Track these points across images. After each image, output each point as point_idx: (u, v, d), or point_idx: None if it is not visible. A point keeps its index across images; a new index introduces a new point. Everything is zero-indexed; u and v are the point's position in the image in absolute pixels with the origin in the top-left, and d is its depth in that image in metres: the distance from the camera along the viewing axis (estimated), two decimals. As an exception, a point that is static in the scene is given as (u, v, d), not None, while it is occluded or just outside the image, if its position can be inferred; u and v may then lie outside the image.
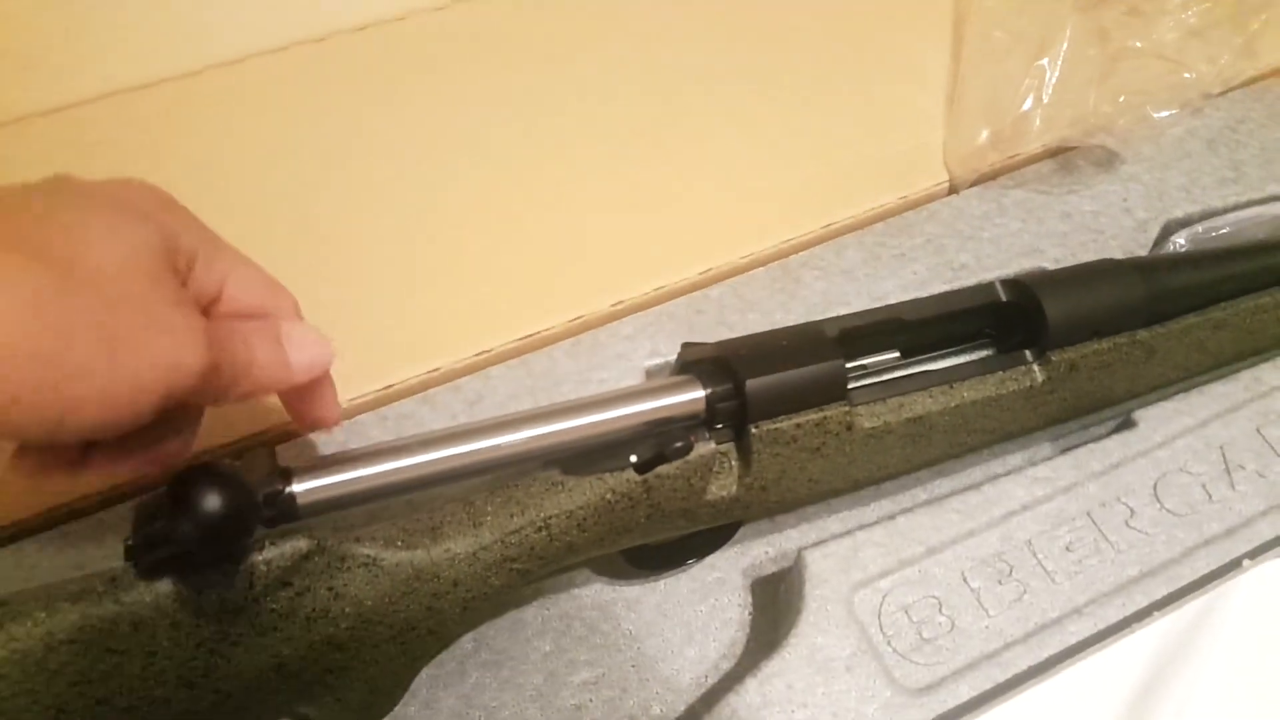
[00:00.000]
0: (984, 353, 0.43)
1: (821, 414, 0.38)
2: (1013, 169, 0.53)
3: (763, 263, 0.49)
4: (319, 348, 0.33)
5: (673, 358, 0.46)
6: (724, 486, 0.38)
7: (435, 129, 0.54)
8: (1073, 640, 0.39)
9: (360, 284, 0.48)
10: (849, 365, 0.39)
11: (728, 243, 0.50)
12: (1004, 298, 0.41)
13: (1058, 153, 0.54)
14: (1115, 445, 0.44)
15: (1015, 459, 0.47)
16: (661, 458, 0.36)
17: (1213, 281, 0.43)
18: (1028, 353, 0.41)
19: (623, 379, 0.46)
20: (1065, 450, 0.45)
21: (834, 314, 0.47)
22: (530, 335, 0.47)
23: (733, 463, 0.39)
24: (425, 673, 0.41)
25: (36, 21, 0.53)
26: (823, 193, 0.52)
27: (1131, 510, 0.42)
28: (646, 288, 0.48)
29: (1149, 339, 0.42)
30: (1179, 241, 0.50)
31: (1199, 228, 0.50)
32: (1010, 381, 0.41)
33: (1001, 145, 0.53)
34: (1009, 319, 0.42)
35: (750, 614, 0.45)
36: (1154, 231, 0.50)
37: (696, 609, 0.45)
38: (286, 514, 0.32)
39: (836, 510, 0.46)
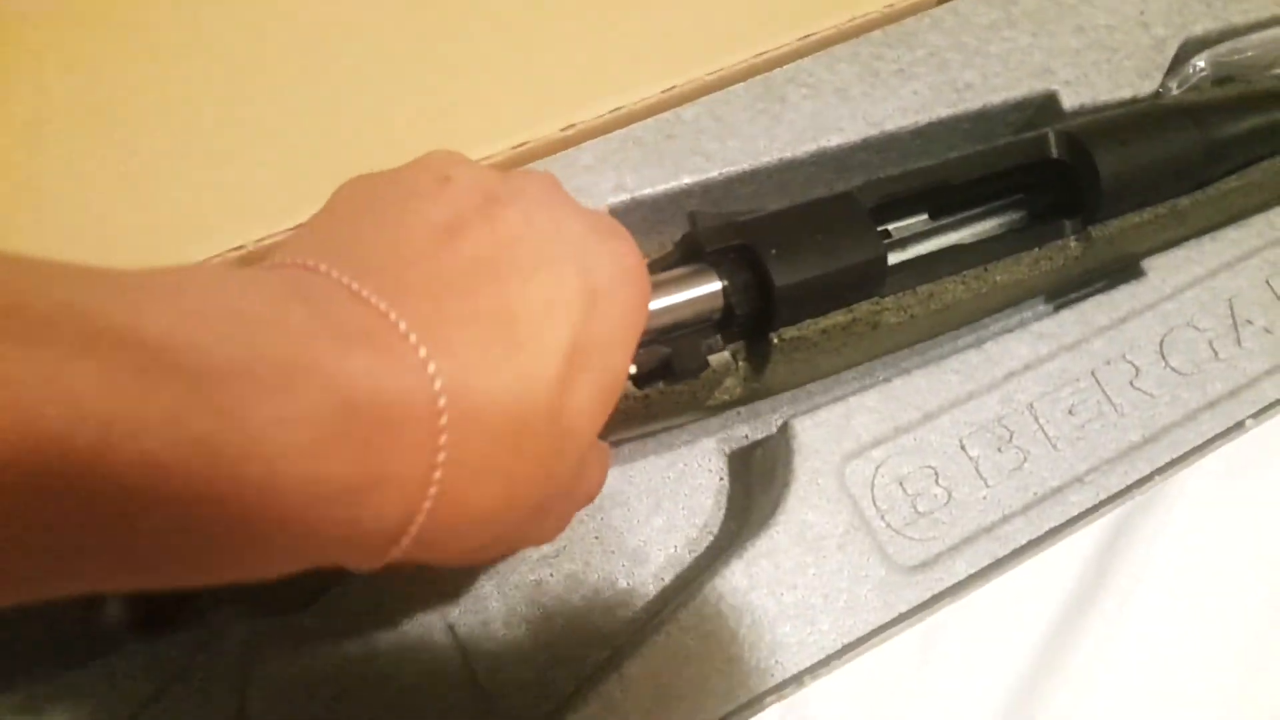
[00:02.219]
0: (1017, 214, 0.38)
1: (850, 315, 0.33)
2: (1021, -30, 0.46)
3: (737, 79, 0.42)
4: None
5: (641, 193, 0.39)
6: (728, 390, 0.33)
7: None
8: (1074, 511, 0.37)
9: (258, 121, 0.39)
10: (874, 231, 0.34)
11: (694, 55, 0.42)
12: (1055, 154, 0.35)
13: (1071, -48, 0.47)
14: (1123, 297, 0.40)
15: (1007, 313, 0.43)
16: (669, 372, 0.30)
17: (1260, 131, 0.39)
18: (1067, 224, 0.36)
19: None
20: (1065, 302, 0.41)
21: (825, 142, 0.41)
22: (470, 163, 0.39)
23: (739, 364, 0.33)
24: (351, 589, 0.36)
25: None
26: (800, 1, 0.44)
27: (1136, 369, 0.39)
28: (601, 109, 0.40)
29: (1188, 207, 0.37)
30: (1199, 65, 0.44)
31: (1221, 49, 0.45)
32: (1044, 261, 0.36)
33: (1009, -60, 0.46)
34: (1051, 174, 0.37)
35: (724, 480, 0.41)
36: (1171, 50, 0.45)
37: (664, 475, 0.41)
38: None
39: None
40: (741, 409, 0.42)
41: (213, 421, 0.16)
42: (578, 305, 0.22)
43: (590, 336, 0.22)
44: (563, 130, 0.40)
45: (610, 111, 0.41)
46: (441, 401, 0.19)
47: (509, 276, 0.21)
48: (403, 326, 0.19)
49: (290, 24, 0.40)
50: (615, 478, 0.41)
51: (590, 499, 0.28)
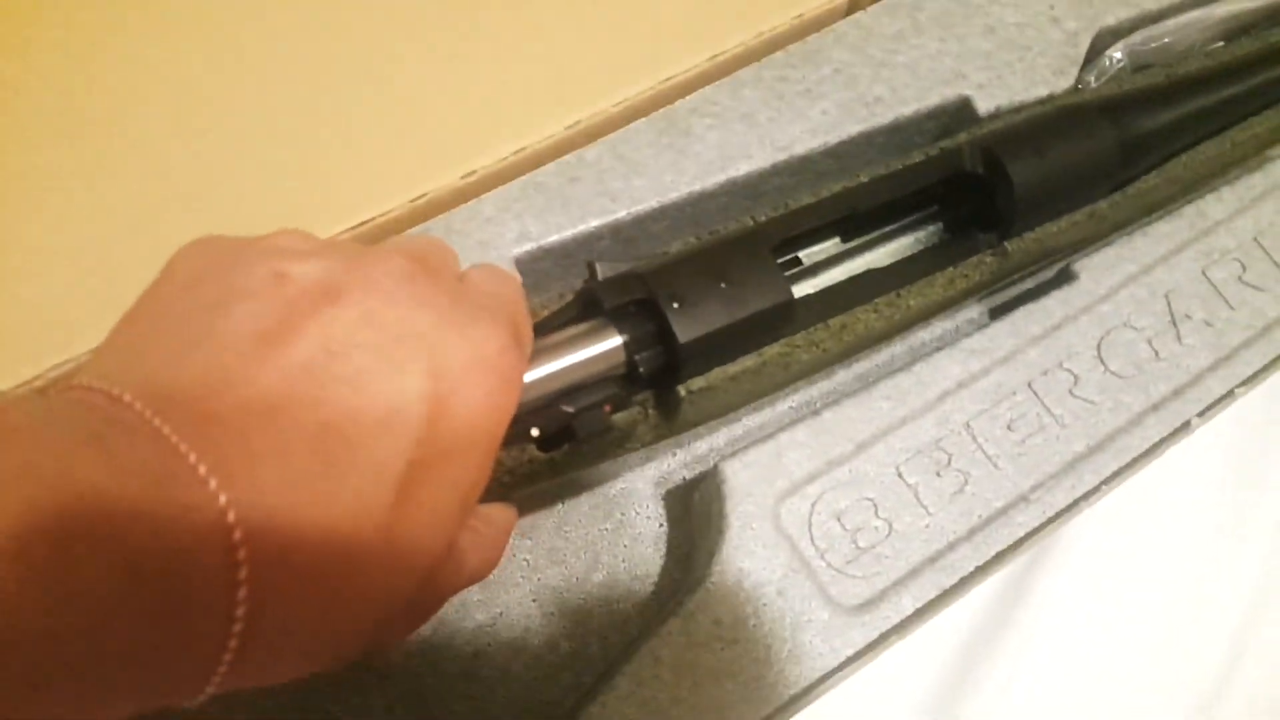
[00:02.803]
0: (932, 227, 0.36)
1: (760, 358, 0.31)
2: (925, -26, 0.45)
3: (643, 111, 0.41)
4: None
5: (547, 241, 0.38)
6: (638, 439, 0.32)
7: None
8: (1020, 532, 0.35)
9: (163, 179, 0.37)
10: (781, 260, 0.33)
11: (596, 86, 0.41)
12: (969, 167, 0.34)
13: (975, -49, 0.46)
14: (1055, 304, 0.39)
15: (941, 324, 0.42)
16: (570, 435, 0.29)
17: (1178, 123, 0.37)
18: (981, 237, 0.35)
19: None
20: (997, 312, 0.40)
21: (734, 171, 0.40)
22: (365, 222, 0.37)
23: (649, 413, 0.32)
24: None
25: None
26: (704, 17, 0.42)
27: (1075, 377, 0.38)
28: (504, 151, 0.39)
29: (1107, 210, 0.36)
30: (1115, 56, 0.43)
31: (1136, 38, 0.44)
32: (960, 279, 0.35)
33: (911, -56, 0.45)
34: (967, 185, 0.36)
35: (663, 527, 0.39)
36: (1085, 43, 0.44)
37: (601, 527, 0.39)
38: None
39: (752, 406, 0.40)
40: (678, 450, 0.40)
41: None
42: (417, 412, 0.20)
43: (437, 442, 0.20)
44: (464, 177, 0.39)
45: (514, 153, 0.39)
46: (241, 553, 0.18)
47: (336, 389, 0.19)
48: (202, 470, 0.18)
49: (171, 69, 0.39)
50: (549, 534, 0.39)
51: (479, 577, 0.26)
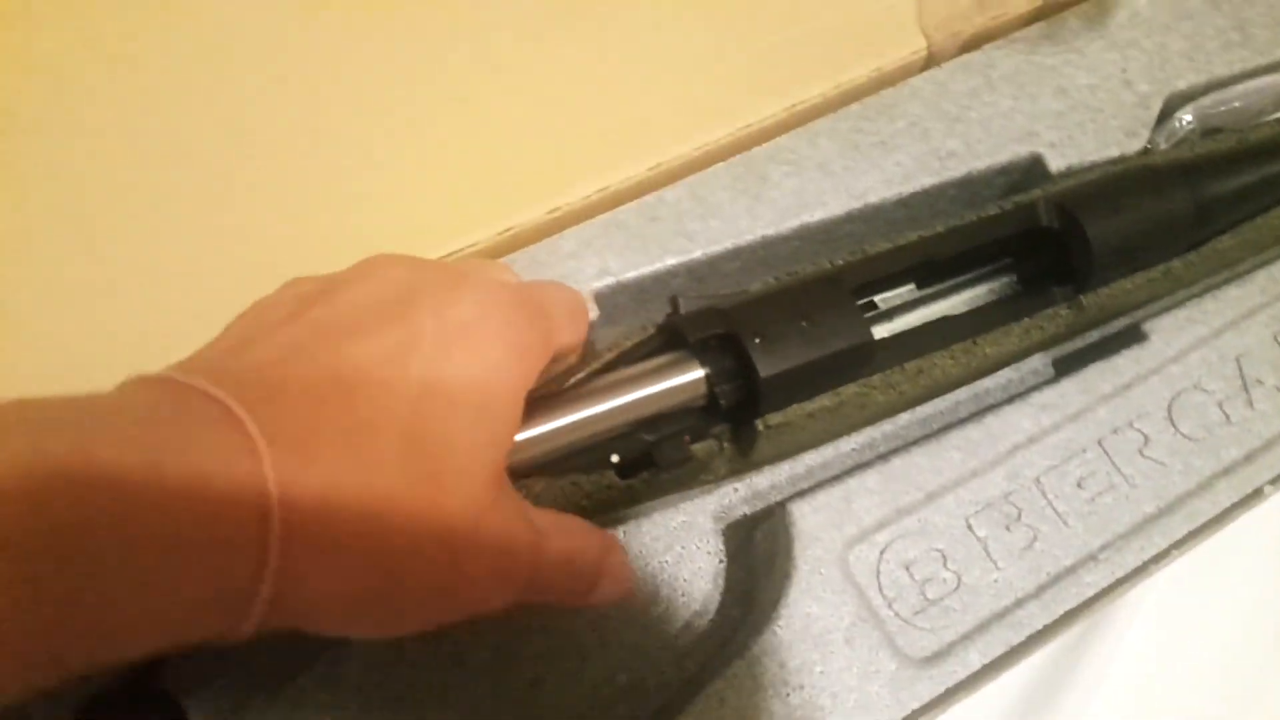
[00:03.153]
0: (1005, 279, 0.37)
1: (838, 398, 0.32)
2: (997, 34, 0.46)
3: (721, 156, 0.41)
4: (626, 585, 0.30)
5: (625, 277, 0.39)
6: (713, 472, 0.32)
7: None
8: (1089, 592, 0.35)
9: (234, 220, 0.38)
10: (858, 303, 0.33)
11: (678, 130, 0.41)
12: (1045, 222, 0.35)
13: (1047, 12, 0.47)
14: (1126, 363, 0.39)
15: (1005, 374, 0.42)
16: (650, 464, 0.29)
17: (1252, 187, 0.38)
18: (1057, 291, 0.35)
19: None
20: (1060, 364, 0.40)
21: (808, 217, 0.40)
22: (453, 253, 0.38)
23: (724, 446, 0.32)
24: (355, 651, 0.35)
25: None
26: (783, 67, 0.43)
27: (1145, 437, 0.38)
28: (587, 190, 0.40)
29: (1181, 269, 0.36)
30: (1185, 119, 0.44)
31: (1206, 101, 0.44)
32: (1035, 330, 0.35)
33: (985, 2, 0.45)
34: (1041, 240, 0.36)
35: (722, 563, 0.39)
36: (1156, 106, 0.44)
37: (661, 560, 0.39)
38: None
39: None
40: (738, 484, 0.40)
41: None
42: (429, 343, 0.22)
43: (450, 372, 0.22)
44: (549, 213, 0.40)
45: (596, 192, 0.40)
46: (275, 515, 0.20)
47: (344, 336, 0.22)
48: (251, 430, 0.20)
49: (271, 110, 0.40)
50: (611, 570, 0.39)
51: (556, 565, 0.27)
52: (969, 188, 0.42)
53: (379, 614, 0.23)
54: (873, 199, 0.41)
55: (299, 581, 0.20)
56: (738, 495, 0.40)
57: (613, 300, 0.39)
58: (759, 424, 0.32)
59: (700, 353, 0.31)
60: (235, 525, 0.20)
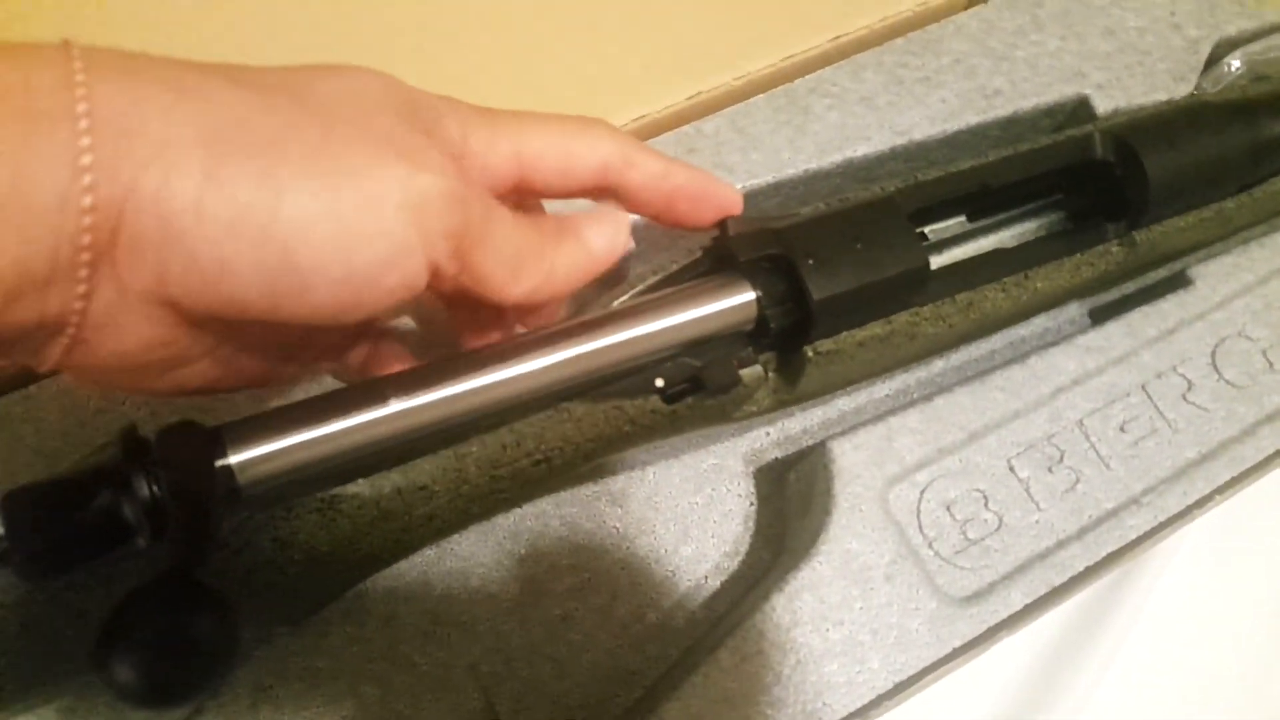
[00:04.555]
0: (1056, 215, 0.36)
1: (889, 326, 0.31)
2: (1045, -28, 0.45)
3: (763, 87, 0.40)
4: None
5: (663, 207, 0.37)
6: (757, 403, 0.31)
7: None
8: (1131, 535, 0.35)
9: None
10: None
11: (718, 60, 0.40)
12: (1100, 155, 0.34)
13: (1096, -47, 0.46)
14: (1171, 307, 0.38)
15: (1041, 322, 0.41)
16: (699, 387, 0.28)
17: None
18: (1110, 227, 0.35)
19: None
20: (1098, 314, 0.40)
21: (851, 152, 0.39)
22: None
23: (770, 375, 0.31)
24: (381, 584, 0.34)
25: None
26: (827, -1, 0.42)
27: (1189, 382, 0.37)
28: (625, 117, 0.39)
29: (1233, 210, 0.36)
30: (1234, 64, 0.43)
31: (1255, 47, 0.43)
32: (1086, 266, 0.34)
33: (1032, -58, 0.44)
34: (1094, 174, 0.35)
35: (753, 504, 0.39)
36: (1205, 52, 0.43)
37: (691, 500, 0.39)
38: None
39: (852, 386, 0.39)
40: (769, 428, 0.40)
41: None
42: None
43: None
44: (584, 141, 0.38)
45: (633, 121, 0.39)
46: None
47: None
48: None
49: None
50: (640, 504, 0.38)
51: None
52: (1014, 127, 0.41)
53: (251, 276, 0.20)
54: (917, 135, 0.40)
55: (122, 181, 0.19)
56: (769, 439, 0.39)
57: (646, 234, 0.38)
58: (808, 350, 0.31)
59: (751, 274, 0.30)
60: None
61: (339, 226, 0.20)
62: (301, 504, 0.27)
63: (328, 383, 0.34)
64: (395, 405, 0.25)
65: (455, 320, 0.28)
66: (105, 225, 0.19)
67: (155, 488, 0.23)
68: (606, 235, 0.27)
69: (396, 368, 0.28)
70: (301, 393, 0.28)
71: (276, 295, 0.20)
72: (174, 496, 0.22)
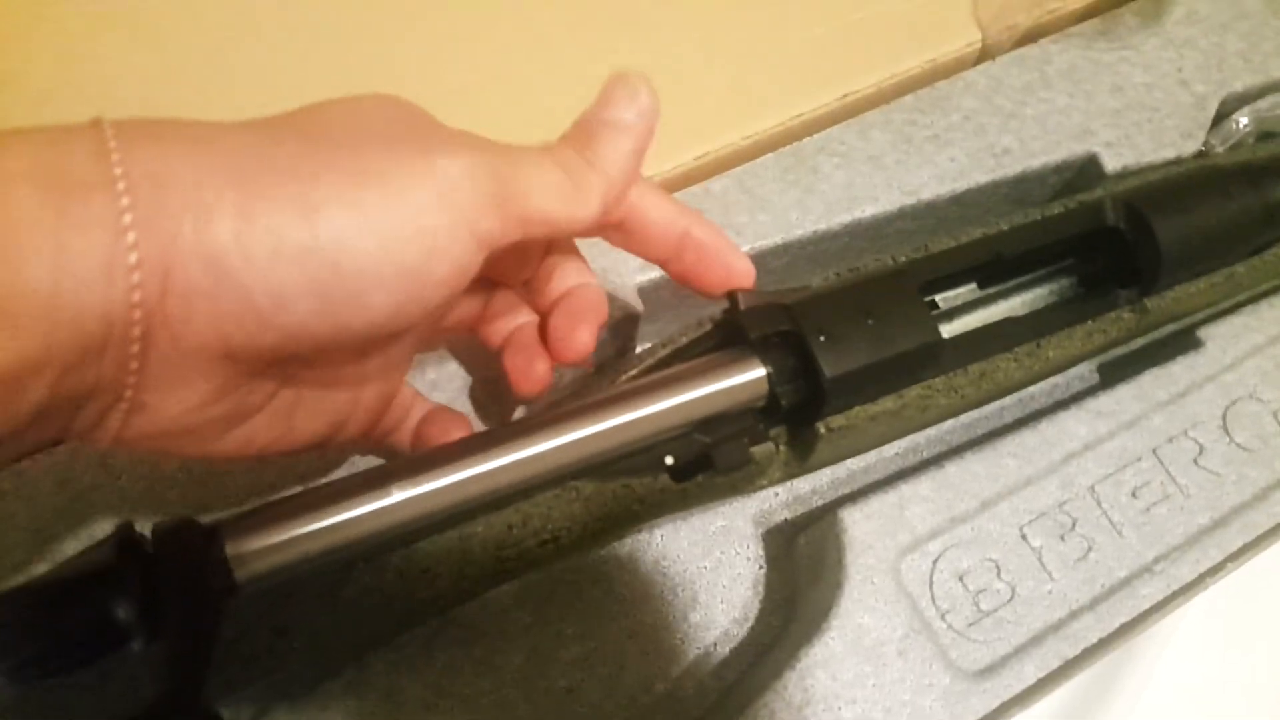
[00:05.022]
0: (1067, 280, 0.36)
1: (900, 400, 0.30)
2: (1052, 28, 0.45)
3: (771, 146, 0.40)
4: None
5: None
6: (768, 477, 0.31)
7: None
8: (1144, 605, 0.34)
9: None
10: (918, 301, 0.32)
11: (727, 119, 0.40)
12: (1111, 221, 0.34)
13: (1103, 7, 0.46)
14: (1181, 370, 0.38)
15: (1050, 380, 0.41)
16: (706, 466, 0.28)
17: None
18: (1121, 294, 0.34)
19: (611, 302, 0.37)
20: (1105, 368, 0.39)
21: (860, 212, 0.39)
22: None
23: (781, 449, 0.31)
24: (382, 656, 0.34)
25: None
26: (836, 56, 0.42)
27: (1200, 446, 0.37)
28: (632, 178, 0.38)
29: (1244, 274, 0.36)
30: (1241, 121, 0.43)
31: (1262, 104, 0.43)
32: (1098, 334, 0.34)
33: (1039, -4, 0.44)
34: (1105, 240, 0.35)
35: (762, 568, 0.38)
36: (1212, 108, 0.43)
37: (699, 565, 0.38)
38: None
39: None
40: (779, 489, 0.39)
41: None
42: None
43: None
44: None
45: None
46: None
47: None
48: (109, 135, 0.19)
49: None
50: (648, 569, 0.38)
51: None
52: (1023, 186, 0.41)
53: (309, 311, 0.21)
54: (926, 195, 0.39)
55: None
56: (778, 500, 0.39)
57: (656, 296, 0.38)
58: (820, 426, 0.31)
59: (762, 350, 0.29)
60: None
61: (378, 229, 0.21)
62: (301, 590, 0.26)
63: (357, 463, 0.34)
64: (398, 495, 0.25)
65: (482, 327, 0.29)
66: (153, 282, 0.19)
67: (151, 585, 0.22)
68: (625, 99, 0.28)
69: (453, 431, 0.29)
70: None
71: (334, 311, 0.21)
72: (171, 594, 0.22)
